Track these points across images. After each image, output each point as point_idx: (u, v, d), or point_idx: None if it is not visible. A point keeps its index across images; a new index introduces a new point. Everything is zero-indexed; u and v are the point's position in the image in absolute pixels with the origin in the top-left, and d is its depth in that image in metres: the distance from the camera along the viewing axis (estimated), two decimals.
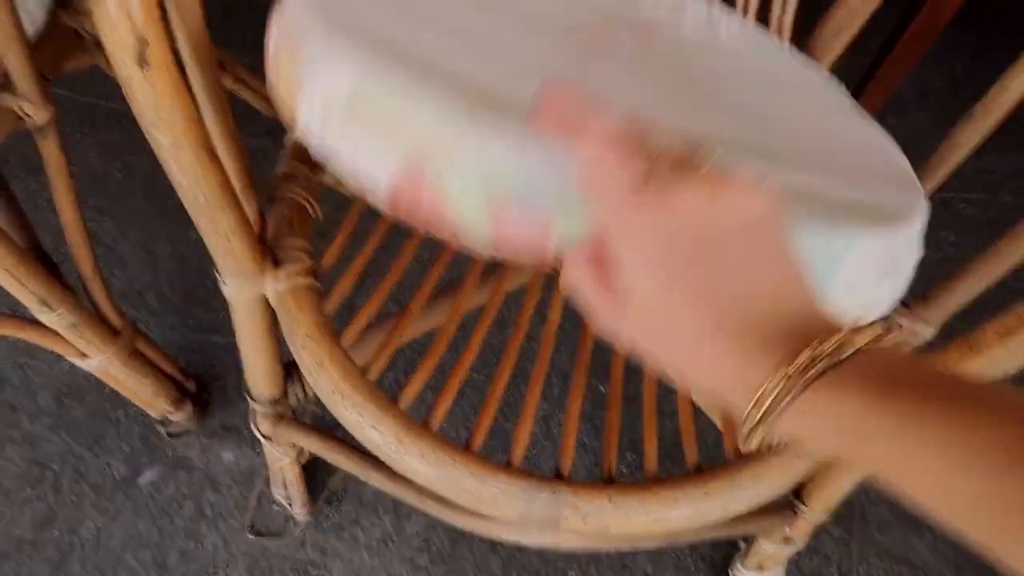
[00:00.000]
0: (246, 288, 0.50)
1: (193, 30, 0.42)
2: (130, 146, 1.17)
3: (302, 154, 0.61)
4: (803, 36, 0.66)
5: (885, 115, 1.31)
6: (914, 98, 1.35)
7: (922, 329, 0.57)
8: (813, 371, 0.27)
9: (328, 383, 0.50)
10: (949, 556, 0.89)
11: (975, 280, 0.54)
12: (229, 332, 1.01)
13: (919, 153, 0.55)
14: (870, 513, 0.92)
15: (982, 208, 1.22)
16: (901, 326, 0.57)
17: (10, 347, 0.98)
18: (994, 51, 1.44)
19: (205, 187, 0.42)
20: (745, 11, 0.64)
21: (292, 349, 0.53)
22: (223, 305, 0.59)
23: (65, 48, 0.62)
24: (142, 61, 0.36)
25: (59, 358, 0.98)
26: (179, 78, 0.39)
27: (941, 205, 1.19)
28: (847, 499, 0.95)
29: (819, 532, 0.91)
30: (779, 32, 0.64)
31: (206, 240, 0.47)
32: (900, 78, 1.26)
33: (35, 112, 0.57)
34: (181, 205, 0.45)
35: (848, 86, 1.43)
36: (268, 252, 0.52)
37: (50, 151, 0.61)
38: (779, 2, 0.61)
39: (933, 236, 1.17)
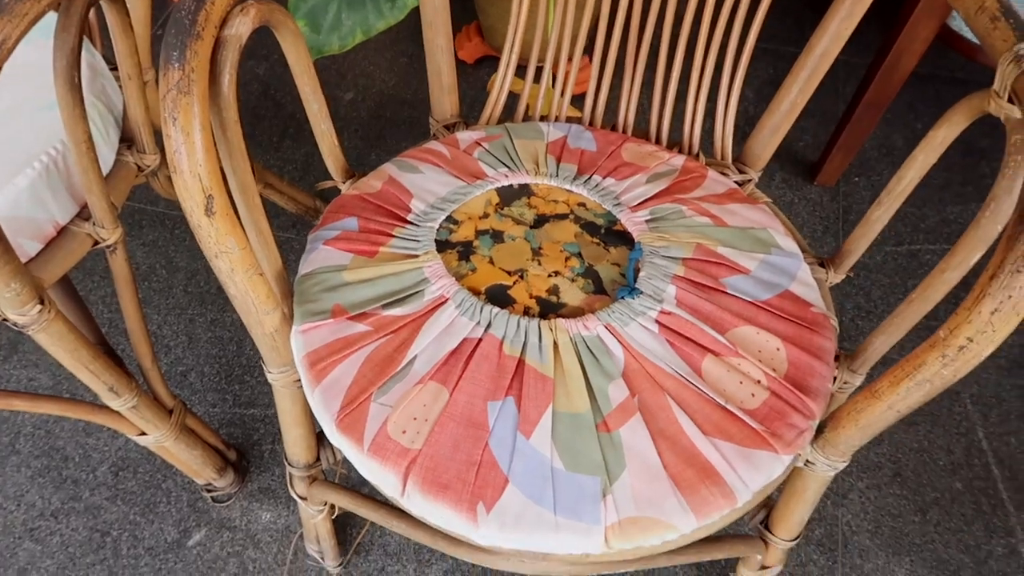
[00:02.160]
0: (287, 375, 0.61)
1: (243, 180, 0.55)
2: (172, 243, 1.30)
3: None
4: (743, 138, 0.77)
5: (851, 175, 1.43)
6: (878, 157, 1.45)
7: (851, 379, 0.67)
8: None
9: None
10: None
11: (894, 331, 0.64)
12: (263, 405, 1.14)
13: None
14: (851, 542, 1.01)
15: None
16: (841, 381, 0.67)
17: (72, 427, 1.10)
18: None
19: (255, 299, 0.54)
20: (690, 144, 0.76)
21: None
22: (257, 381, 0.69)
23: (128, 179, 0.75)
24: (209, 211, 0.49)
25: (115, 435, 1.10)
26: (235, 219, 0.51)
27: (909, 257, 1.29)
28: (830, 528, 1.04)
29: (805, 562, 1.00)
30: (722, 149, 0.75)
31: (255, 339, 0.59)
32: (863, 141, 1.38)
33: (108, 235, 0.70)
34: (216, 294, 0.56)
35: (816, 151, 1.56)
36: None
37: (119, 265, 0.74)
38: (719, 131, 0.73)
39: (902, 286, 1.28)
